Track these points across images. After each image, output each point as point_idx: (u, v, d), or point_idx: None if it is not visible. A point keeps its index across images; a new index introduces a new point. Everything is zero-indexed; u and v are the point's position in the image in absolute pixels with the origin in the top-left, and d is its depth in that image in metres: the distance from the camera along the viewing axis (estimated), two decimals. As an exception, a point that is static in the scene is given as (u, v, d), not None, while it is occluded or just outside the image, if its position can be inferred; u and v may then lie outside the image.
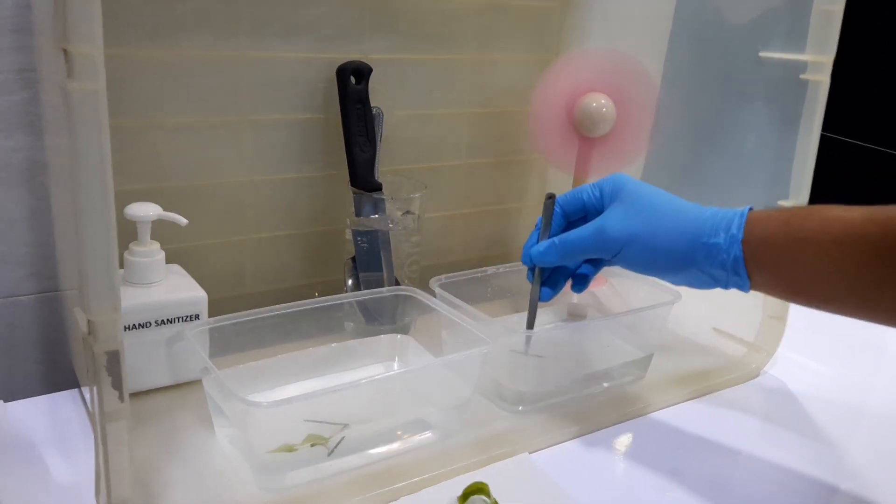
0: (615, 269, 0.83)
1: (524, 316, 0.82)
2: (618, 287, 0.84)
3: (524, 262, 0.67)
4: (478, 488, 0.55)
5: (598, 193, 0.64)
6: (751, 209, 0.58)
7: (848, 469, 0.65)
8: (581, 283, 0.68)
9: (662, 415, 0.71)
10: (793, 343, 0.81)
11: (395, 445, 0.61)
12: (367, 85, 0.76)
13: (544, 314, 0.84)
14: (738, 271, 0.57)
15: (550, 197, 0.65)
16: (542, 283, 0.67)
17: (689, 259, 0.59)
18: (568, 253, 0.64)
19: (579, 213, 0.66)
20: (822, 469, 0.65)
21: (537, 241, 0.66)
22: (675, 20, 0.87)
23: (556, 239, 0.64)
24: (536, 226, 0.66)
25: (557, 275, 0.68)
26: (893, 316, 0.53)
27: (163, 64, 0.69)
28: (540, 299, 0.67)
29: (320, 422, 0.57)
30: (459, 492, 0.56)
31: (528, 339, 0.67)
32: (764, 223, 0.57)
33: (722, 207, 0.60)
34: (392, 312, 0.75)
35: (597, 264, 0.68)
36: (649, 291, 0.77)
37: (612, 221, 0.61)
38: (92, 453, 0.55)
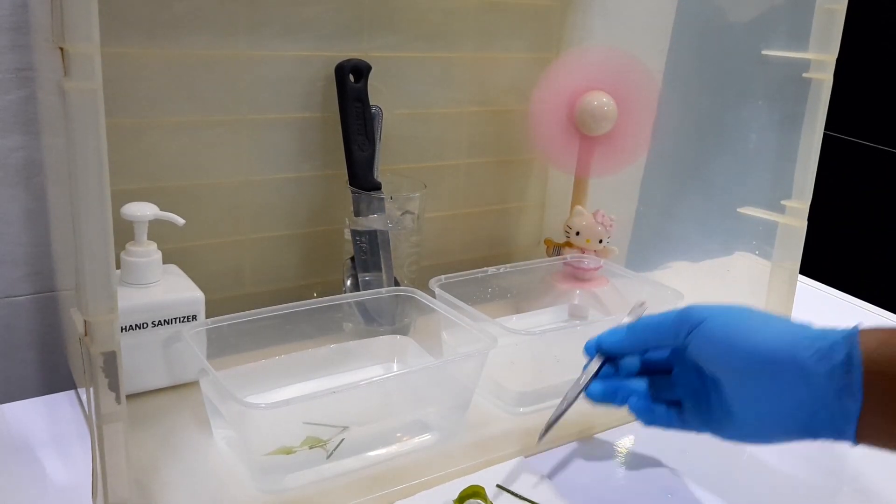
0: (616, 269, 0.83)
1: (524, 316, 0.82)
2: (619, 288, 0.83)
3: (587, 351, 0.60)
4: (474, 492, 0.55)
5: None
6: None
7: (851, 472, 0.65)
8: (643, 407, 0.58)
9: (664, 416, 0.71)
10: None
11: (394, 447, 0.61)
12: (367, 83, 0.75)
13: (546, 315, 0.84)
14: (850, 382, 0.45)
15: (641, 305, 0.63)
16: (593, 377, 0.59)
17: (785, 351, 0.48)
18: (640, 333, 0.57)
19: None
20: (825, 471, 0.64)
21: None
22: (677, 18, 0.87)
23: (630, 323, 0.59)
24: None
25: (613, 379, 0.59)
26: None
27: (160, 63, 0.69)
28: (587, 393, 0.58)
29: (319, 424, 0.56)
30: (456, 495, 0.55)
31: (542, 435, 0.59)
32: (877, 332, 0.46)
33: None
34: (391, 313, 0.75)
35: (657, 382, 0.59)
36: (651, 292, 0.76)
37: (697, 307, 0.54)
38: (89, 455, 0.55)
